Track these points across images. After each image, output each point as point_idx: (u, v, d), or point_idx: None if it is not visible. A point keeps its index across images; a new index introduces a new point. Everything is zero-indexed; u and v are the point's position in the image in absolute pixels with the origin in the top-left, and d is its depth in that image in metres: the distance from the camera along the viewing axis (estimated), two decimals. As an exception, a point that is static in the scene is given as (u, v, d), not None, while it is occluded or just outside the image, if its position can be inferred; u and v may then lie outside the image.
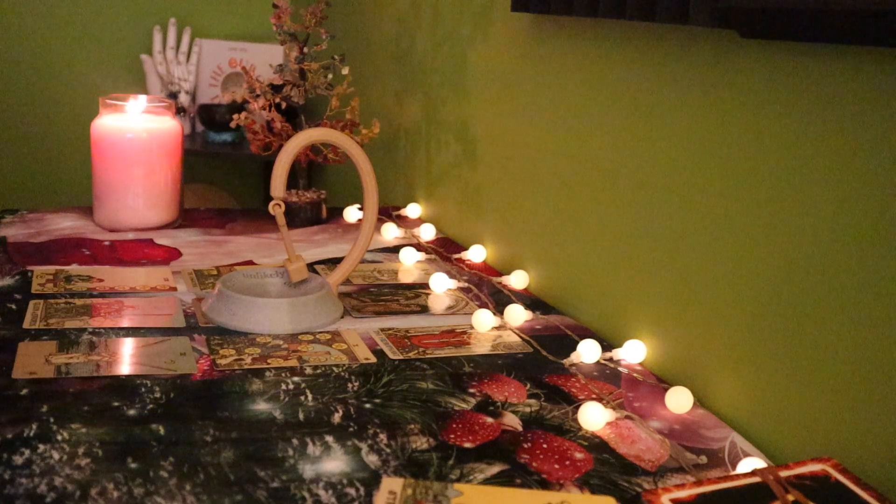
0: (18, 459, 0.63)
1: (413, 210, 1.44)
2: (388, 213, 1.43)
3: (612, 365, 0.89)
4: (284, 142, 1.13)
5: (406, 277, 1.13)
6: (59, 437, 0.67)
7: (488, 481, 0.65)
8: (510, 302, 1.02)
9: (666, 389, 0.80)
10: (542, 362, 0.88)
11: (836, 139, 0.68)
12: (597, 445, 0.72)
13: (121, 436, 0.68)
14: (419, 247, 1.26)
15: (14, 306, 0.94)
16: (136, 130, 1.23)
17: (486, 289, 1.10)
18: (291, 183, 1.25)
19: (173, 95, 2.24)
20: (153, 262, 1.13)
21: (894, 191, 0.64)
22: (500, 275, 1.15)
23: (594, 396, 0.81)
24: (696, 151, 0.83)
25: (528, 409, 0.78)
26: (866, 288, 0.66)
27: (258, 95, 1.30)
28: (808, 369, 0.71)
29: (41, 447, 0.65)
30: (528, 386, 0.82)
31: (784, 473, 0.61)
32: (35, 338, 0.86)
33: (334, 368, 0.83)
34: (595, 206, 0.99)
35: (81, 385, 0.76)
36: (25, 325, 0.89)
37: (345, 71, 1.31)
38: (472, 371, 0.85)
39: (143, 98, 1.27)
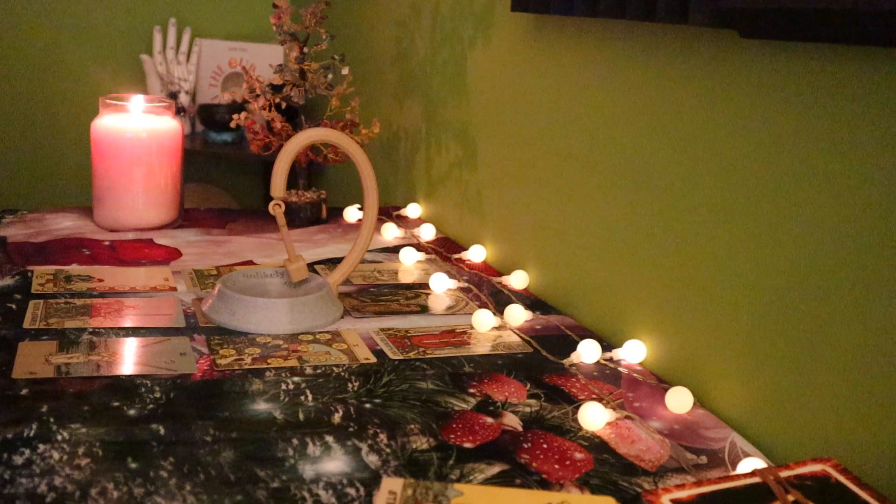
0: (18, 459, 0.63)
1: (413, 210, 1.44)
2: (388, 213, 1.43)
3: (612, 365, 0.89)
4: (284, 142, 1.13)
5: (406, 277, 1.13)
6: (59, 437, 0.67)
7: (488, 481, 0.65)
8: (510, 302, 1.02)
9: (666, 389, 0.80)
10: (542, 362, 0.88)
11: (837, 139, 0.68)
12: (597, 445, 0.72)
13: (121, 436, 0.68)
14: (419, 247, 1.26)
15: (14, 306, 0.94)
16: (136, 130, 1.23)
17: (486, 289, 1.10)
18: (291, 183, 1.25)
19: (173, 95, 2.24)
20: (153, 262, 1.13)
21: (894, 191, 0.64)
22: (500, 275, 1.15)
23: (594, 396, 0.81)
24: (696, 151, 0.83)
25: (528, 409, 0.78)
26: (866, 288, 0.66)
27: (258, 95, 1.30)
28: (808, 369, 0.71)
29: (41, 447, 0.65)
30: (528, 386, 0.82)
31: (784, 473, 0.61)
32: (35, 338, 0.86)
33: (334, 368, 0.83)
34: (595, 206, 0.99)
35: (81, 385, 0.76)
36: (25, 325, 0.89)
37: (345, 71, 1.31)
38: (472, 371, 0.85)
39: (142, 98, 1.27)
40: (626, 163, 0.94)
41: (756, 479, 0.61)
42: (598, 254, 0.99)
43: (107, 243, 1.19)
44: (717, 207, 0.80)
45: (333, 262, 1.16)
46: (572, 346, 0.90)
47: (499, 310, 1.00)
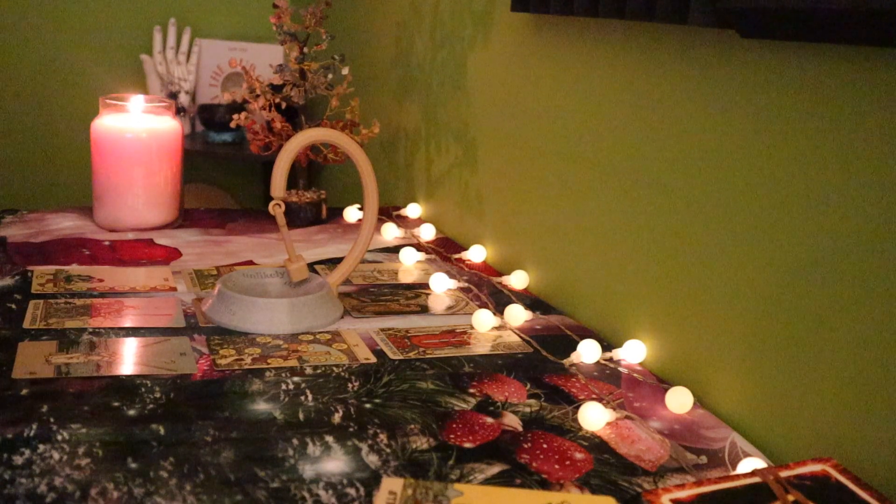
0: (18, 459, 0.63)
1: (413, 210, 1.44)
2: (388, 213, 1.43)
3: (612, 365, 0.89)
4: (284, 142, 1.13)
5: (406, 277, 1.13)
6: (59, 437, 0.67)
7: (488, 481, 0.65)
8: (510, 302, 1.02)
9: (666, 389, 0.80)
10: (542, 362, 0.88)
11: (836, 139, 0.68)
12: (597, 445, 0.72)
13: (121, 436, 0.68)
14: (419, 247, 1.26)
15: (14, 306, 0.94)
16: (136, 130, 1.23)
17: (486, 289, 1.10)
18: (291, 183, 1.25)
19: (173, 95, 2.24)
20: (153, 262, 1.13)
21: (894, 191, 0.64)
22: (500, 275, 1.15)
23: (594, 396, 0.81)
24: (696, 151, 0.83)
25: (528, 409, 0.78)
26: (866, 287, 0.66)
27: (258, 95, 1.30)
28: (808, 369, 0.71)
29: (41, 447, 0.65)
30: (528, 386, 0.82)
31: (784, 473, 0.61)
32: (35, 338, 0.86)
33: (334, 368, 0.83)
34: (595, 207, 0.99)
35: (81, 385, 0.76)
36: (25, 325, 0.89)
37: (345, 71, 1.31)
38: (472, 371, 0.85)
39: (142, 98, 1.27)
40: (625, 162, 0.94)
41: (756, 479, 0.61)
42: (598, 254, 0.99)
43: (107, 243, 1.19)
44: (716, 207, 0.80)
45: (333, 262, 1.16)
46: (572, 346, 0.90)
47: (499, 310, 1.00)
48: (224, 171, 2.44)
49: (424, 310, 1.02)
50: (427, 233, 1.31)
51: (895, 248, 0.64)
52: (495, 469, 0.67)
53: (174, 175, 1.27)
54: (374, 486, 0.63)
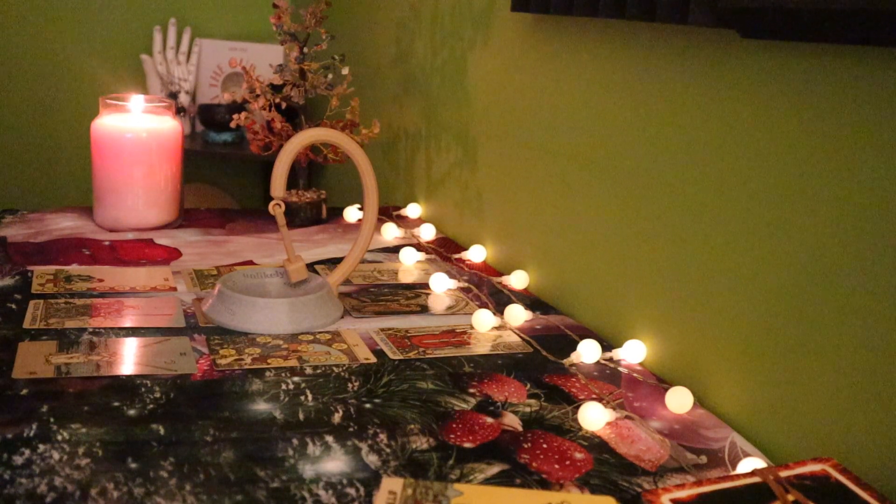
0: (18, 459, 0.63)
1: (413, 210, 1.44)
2: (389, 213, 1.43)
3: (612, 365, 0.89)
4: (284, 142, 1.13)
5: (406, 277, 1.13)
6: (59, 437, 0.67)
7: (488, 481, 0.65)
8: (510, 302, 1.02)
9: (666, 389, 0.80)
10: (542, 362, 0.88)
11: (837, 139, 0.68)
12: (597, 445, 0.72)
13: (121, 436, 0.68)
14: (419, 247, 1.26)
15: (14, 306, 0.94)
16: (136, 130, 1.23)
17: (486, 289, 1.10)
18: (291, 183, 1.25)
19: (173, 95, 2.24)
20: (153, 262, 1.13)
21: (894, 191, 0.64)
22: (500, 275, 1.15)
23: (594, 396, 0.81)
24: (696, 151, 0.83)
25: (528, 409, 0.78)
26: (866, 288, 0.66)
27: (258, 95, 1.30)
28: (808, 369, 0.71)
29: (41, 447, 0.65)
30: (528, 386, 0.82)
31: (784, 473, 0.61)
32: (35, 338, 0.86)
33: (334, 368, 0.83)
34: (595, 206, 0.99)
35: (81, 385, 0.76)
36: (25, 325, 0.89)
37: (345, 71, 1.31)
38: (472, 371, 0.85)
39: (142, 98, 1.27)
40: (625, 162, 0.94)
41: (756, 479, 0.61)
42: (598, 254, 0.99)
43: (107, 243, 1.19)
44: (716, 207, 0.80)
45: (333, 262, 1.16)
46: (572, 346, 0.90)
47: (499, 310, 1.00)
48: (224, 171, 2.44)
49: (424, 310, 1.02)
50: (427, 233, 1.31)
51: (894, 248, 0.64)
52: (495, 469, 0.67)
53: (174, 175, 1.27)
54: (374, 486, 0.63)
